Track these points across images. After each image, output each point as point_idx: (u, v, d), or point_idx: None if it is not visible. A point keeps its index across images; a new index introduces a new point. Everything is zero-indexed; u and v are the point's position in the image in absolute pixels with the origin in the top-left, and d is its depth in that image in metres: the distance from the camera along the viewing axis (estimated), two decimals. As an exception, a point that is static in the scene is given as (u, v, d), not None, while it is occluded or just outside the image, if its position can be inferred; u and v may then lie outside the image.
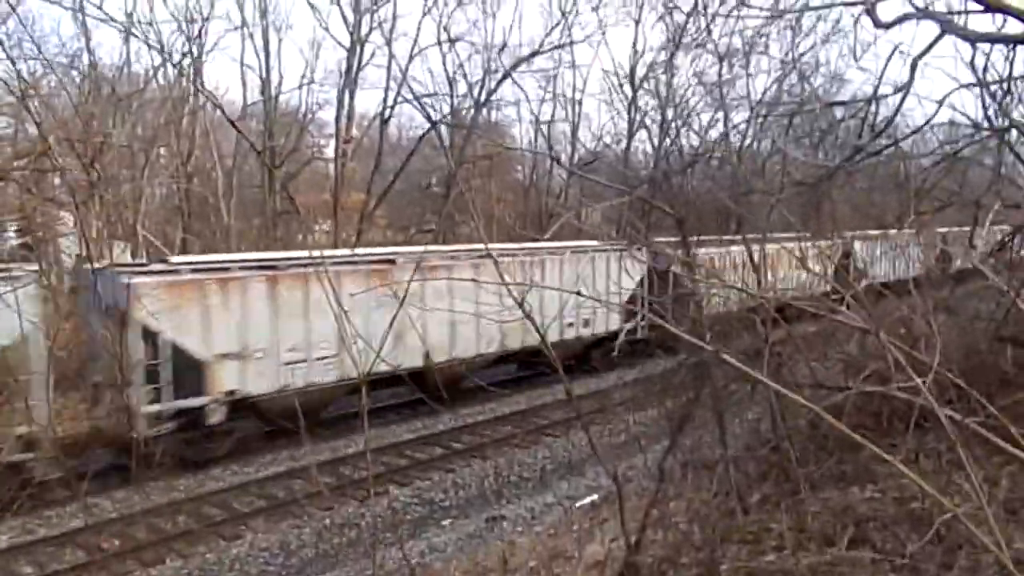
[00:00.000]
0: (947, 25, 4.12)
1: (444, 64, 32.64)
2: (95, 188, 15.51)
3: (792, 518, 4.64)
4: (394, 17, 25.91)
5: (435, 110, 28.36)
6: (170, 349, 11.51)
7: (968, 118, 5.66)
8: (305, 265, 12.82)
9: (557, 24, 28.03)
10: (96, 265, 13.13)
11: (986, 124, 5.55)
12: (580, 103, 31.16)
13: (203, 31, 23.95)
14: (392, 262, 14.26)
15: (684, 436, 5.62)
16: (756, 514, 5.28)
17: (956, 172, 6.75)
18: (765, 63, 16.89)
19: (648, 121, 28.70)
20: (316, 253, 15.99)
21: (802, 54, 9.32)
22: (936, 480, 3.79)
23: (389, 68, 26.41)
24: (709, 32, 7.32)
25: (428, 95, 27.99)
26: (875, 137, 4.97)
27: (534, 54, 27.94)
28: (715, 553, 4.51)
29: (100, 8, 24.55)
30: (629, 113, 29.49)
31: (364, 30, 25.55)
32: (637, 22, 29.30)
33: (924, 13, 4.22)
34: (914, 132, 5.38)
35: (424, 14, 27.37)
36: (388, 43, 26.01)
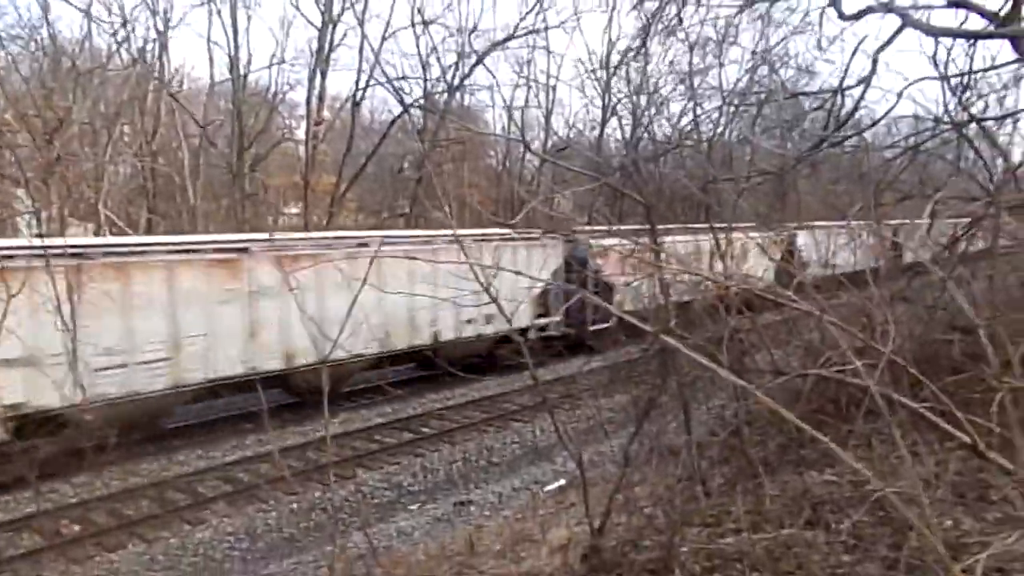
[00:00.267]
0: (908, 19, 4.20)
1: (417, 47, 32.38)
2: (53, 166, 15.06)
3: (751, 501, 4.74)
4: (367, -3, 25.57)
5: (408, 93, 28.12)
6: None
7: (929, 112, 5.78)
8: (126, 253, 11.48)
9: (532, 9, 27.98)
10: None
11: (947, 118, 5.67)
12: (554, 89, 31.17)
13: (168, 5, 23.37)
14: (244, 251, 12.82)
15: (650, 422, 5.70)
16: (717, 498, 5.39)
17: (918, 165, 6.88)
18: (737, 53, 17.02)
19: (621, 108, 28.79)
20: (143, 239, 14.32)
21: (772, 46, 9.42)
22: (884, 464, 3.90)
23: (361, 50, 26.16)
24: (681, 21, 7.34)
25: (401, 78, 27.74)
26: (838, 128, 5.05)
27: (508, 39, 27.83)
28: (676, 536, 4.60)
29: (61, -20, 23.81)
30: (602, 100, 29.56)
31: (336, 10, 25.22)
32: (612, 8, 29.31)
33: (886, 7, 4.28)
34: (874, 124, 5.49)
35: (398, -5, 27.06)
36: (360, 24, 25.72)
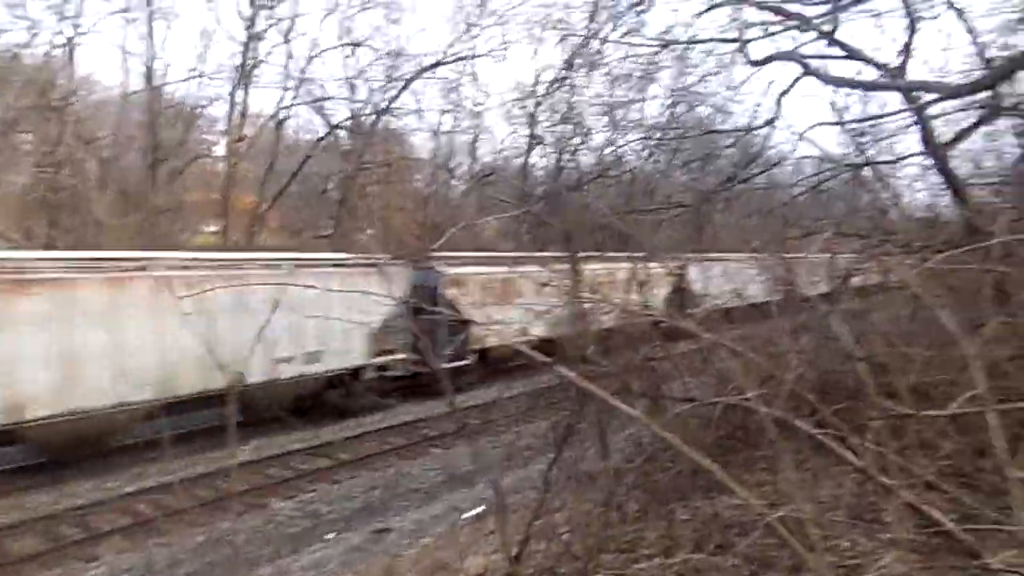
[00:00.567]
0: (808, 68, 4.49)
1: (345, 68, 32.02)
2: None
3: (664, 526, 4.84)
4: (293, 15, 25.25)
5: (333, 114, 27.78)
6: None
7: (830, 154, 6.17)
8: None
9: (461, 36, 28.24)
10: None
11: (845, 161, 6.06)
12: (481, 116, 31.49)
13: (79, 11, 22.37)
14: None
15: (568, 448, 5.76)
16: (633, 523, 5.47)
17: (820, 203, 7.32)
18: (658, 89, 17.72)
19: (546, 137, 29.32)
20: None
21: (689, 85, 9.88)
22: (790, 487, 4.05)
23: (287, 68, 25.68)
24: (602, 56, 7.60)
25: (327, 98, 27.39)
26: (747, 165, 5.32)
27: (437, 64, 27.96)
28: (592, 563, 4.64)
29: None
30: (528, 129, 30.03)
31: (260, 26, 24.73)
32: (539, 40, 29.93)
33: (788, 55, 4.58)
34: (777, 164, 5.82)
35: (326, 15, 26.87)
36: (286, 41, 25.32)
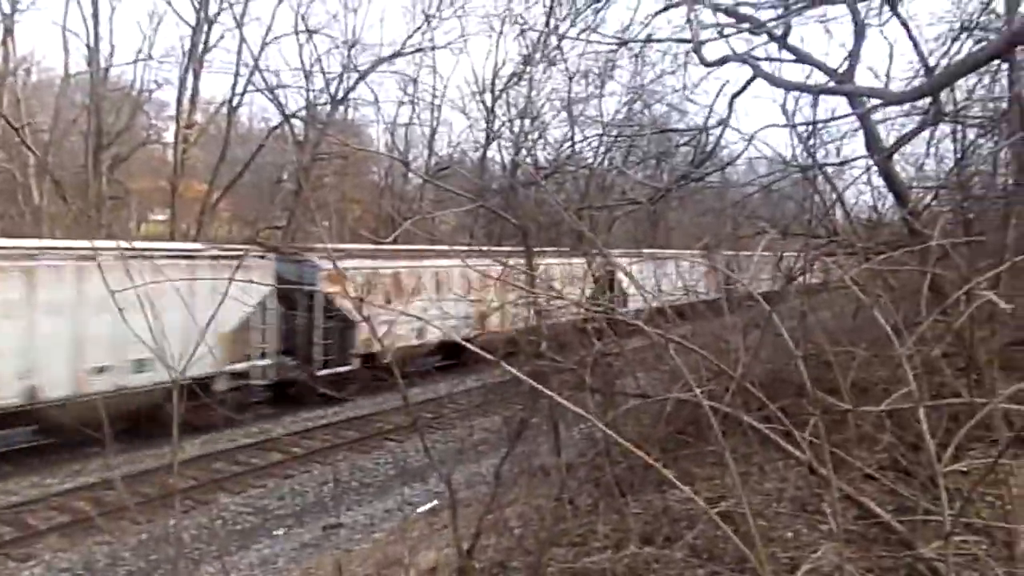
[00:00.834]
0: (759, 70, 4.59)
1: (300, 56, 31.45)
2: None
3: (615, 519, 4.90)
4: None
5: (289, 102, 27.22)
6: None
7: (781, 156, 6.32)
8: None
9: (419, 28, 27.98)
10: None
11: (795, 162, 6.21)
12: (439, 109, 31.24)
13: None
14: None
15: (521, 443, 5.78)
16: (585, 517, 5.52)
17: (771, 203, 7.49)
18: (615, 86, 17.85)
19: (504, 132, 29.31)
20: None
21: (644, 84, 9.99)
22: (731, 481, 4.15)
23: (239, 53, 25.07)
24: (561, 51, 7.62)
25: (282, 86, 26.84)
26: (699, 165, 5.41)
27: (395, 55, 27.68)
28: (544, 556, 4.67)
29: None
30: (486, 123, 29.97)
31: (212, 9, 24.07)
32: (498, 34, 29.87)
33: (740, 57, 4.66)
34: (729, 163, 5.94)
35: (280, 1, 26.27)
36: (239, 26, 24.69)
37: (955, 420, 3.91)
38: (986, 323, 4.02)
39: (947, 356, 4.17)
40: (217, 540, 9.31)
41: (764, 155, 6.91)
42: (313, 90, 27.23)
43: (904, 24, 5.99)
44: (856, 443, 4.21)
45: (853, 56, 5.79)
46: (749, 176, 9.43)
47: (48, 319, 10.88)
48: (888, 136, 6.39)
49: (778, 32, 5.66)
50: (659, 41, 6.45)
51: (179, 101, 24.58)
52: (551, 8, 6.31)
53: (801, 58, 5.30)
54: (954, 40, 6.84)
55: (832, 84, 5.33)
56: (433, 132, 31.39)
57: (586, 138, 11.28)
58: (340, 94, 27.21)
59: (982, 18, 6.70)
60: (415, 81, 29.43)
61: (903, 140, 6.14)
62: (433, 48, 28.40)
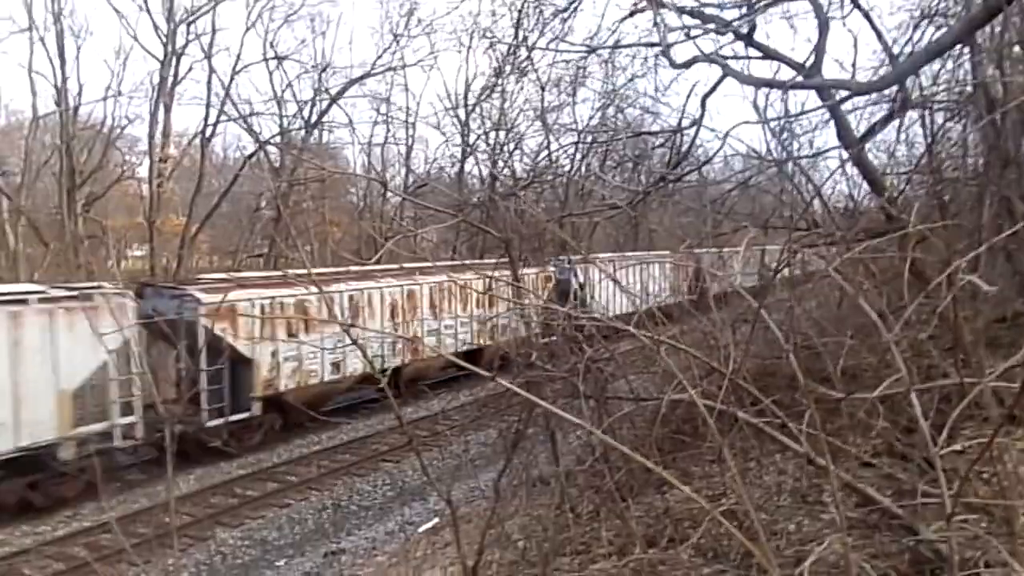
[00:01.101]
0: (729, 69, 4.64)
1: (271, 82, 31.36)
2: None
3: (618, 524, 4.89)
4: (213, 30, 24.59)
5: (260, 133, 27.12)
6: None
7: (755, 151, 6.39)
8: None
9: (388, 47, 28.03)
10: None
11: (770, 157, 6.28)
12: (413, 126, 31.26)
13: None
14: None
15: (518, 454, 5.76)
16: (587, 524, 5.51)
17: (748, 198, 7.55)
18: (587, 93, 17.98)
19: (480, 145, 29.36)
20: None
21: (616, 88, 10.09)
22: (731, 478, 4.16)
23: (210, 84, 24.98)
24: (532, 62, 7.67)
25: (254, 114, 26.76)
26: (676, 165, 5.45)
27: (365, 76, 27.70)
28: (548, 567, 4.65)
29: None
30: (461, 137, 30.02)
31: (180, 42, 23.98)
32: (468, 48, 29.98)
33: (709, 57, 4.72)
34: (706, 162, 5.99)
35: (247, 29, 26.25)
36: (208, 57, 24.63)
37: (946, 401, 3.95)
38: (969, 303, 4.07)
39: (932, 338, 4.21)
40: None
41: (739, 152, 7.00)
42: (286, 116, 27.20)
43: (866, 15, 6.10)
44: (850, 431, 4.23)
45: (819, 49, 5.88)
46: (725, 174, 9.52)
47: None
48: (859, 125, 6.48)
49: (744, 31, 5.74)
50: (628, 47, 6.52)
51: (151, 135, 24.44)
52: (519, 20, 6.35)
53: (768, 55, 5.38)
54: (915, 28, 6.98)
55: (800, 79, 5.41)
56: (409, 150, 31.42)
57: (562, 146, 11.34)
58: (313, 118, 27.19)
59: (941, 4, 6.83)
60: (388, 100, 29.48)
61: (874, 129, 6.23)
62: (404, 67, 28.48)
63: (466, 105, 29.51)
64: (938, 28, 6.86)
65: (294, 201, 26.11)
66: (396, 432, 14.97)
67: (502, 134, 23.57)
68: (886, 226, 4.90)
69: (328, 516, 11.67)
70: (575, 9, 6.32)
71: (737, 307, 6.47)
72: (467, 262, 18.78)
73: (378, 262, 16.07)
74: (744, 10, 5.41)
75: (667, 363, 3.41)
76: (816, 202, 6.53)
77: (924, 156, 6.56)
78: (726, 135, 4.90)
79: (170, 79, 23.91)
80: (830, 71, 6.31)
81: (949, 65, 6.77)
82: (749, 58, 5.74)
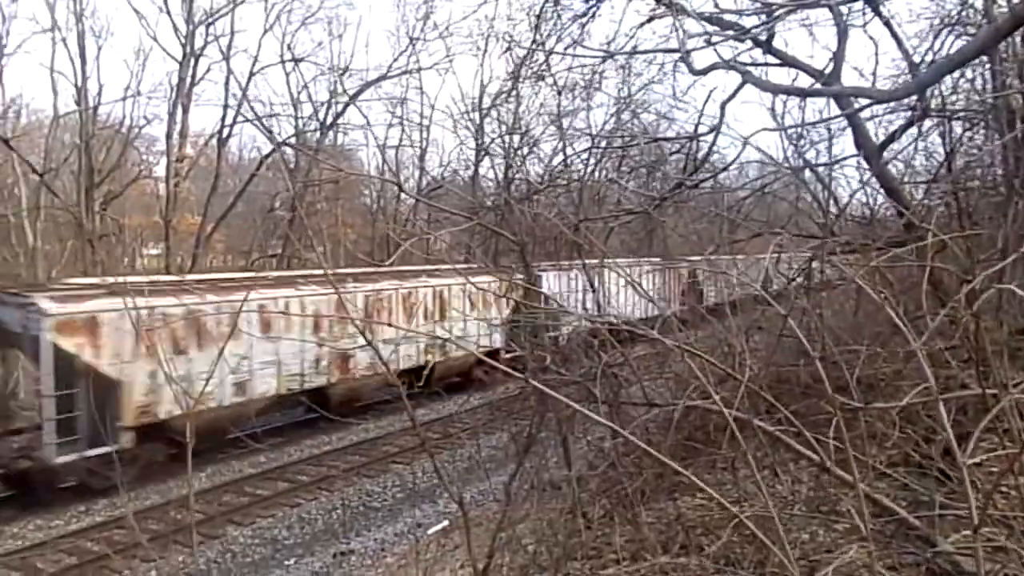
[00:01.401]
0: (749, 76, 4.64)
1: (288, 84, 31.61)
2: None
3: (629, 530, 4.88)
4: (232, 32, 24.81)
5: (278, 131, 27.33)
6: None
7: (772, 158, 6.37)
8: None
9: (405, 50, 28.17)
10: None
11: (786, 164, 6.26)
12: (428, 129, 31.37)
13: (4, 31, 21.57)
14: None
15: (530, 458, 5.76)
16: (599, 529, 5.49)
17: (764, 205, 7.53)
18: (603, 97, 17.95)
19: (494, 149, 29.41)
20: None
21: (632, 94, 10.07)
22: (748, 484, 4.14)
23: (227, 85, 25.19)
24: (549, 67, 7.68)
25: (270, 115, 26.96)
26: (694, 171, 5.45)
27: (381, 78, 27.85)
28: (559, 572, 4.64)
29: None
30: (476, 141, 30.08)
31: (198, 43, 24.21)
32: (483, 52, 30.06)
33: (728, 64, 4.72)
34: (724, 169, 5.98)
35: (265, 31, 26.46)
36: (226, 58, 24.84)
37: (963, 412, 3.92)
38: (992, 314, 4.05)
39: (951, 349, 4.18)
40: (228, 575, 9.23)
41: (755, 159, 6.98)
42: (302, 117, 27.39)
43: (887, 23, 6.07)
44: (867, 440, 4.21)
45: (838, 57, 5.86)
46: (740, 180, 9.49)
47: None
48: (876, 133, 6.45)
49: (762, 37, 5.73)
50: (646, 52, 6.52)
51: (169, 135, 24.66)
52: (538, 24, 6.37)
53: (787, 62, 5.37)
54: (935, 37, 6.94)
55: (819, 86, 5.38)
56: (423, 152, 31.53)
57: (576, 153, 11.34)
58: (328, 120, 27.36)
59: (963, 13, 6.79)
60: (403, 102, 29.61)
61: (893, 137, 6.19)
62: (419, 70, 28.60)
63: (480, 108, 29.61)
64: (958, 37, 6.82)
65: (308, 202, 26.27)
66: (409, 433, 14.99)
67: (516, 138, 23.61)
68: (905, 235, 4.86)
69: (338, 516, 11.70)
70: (593, 14, 6.33)
71: (751, 314, 6.45)
72: (412, 268, 17.35)
73: (393, 264, 16.02)
74: (763, 17, 5.40)
75: (689, 367, 3.40)
76: (832, 209, 6.50)
77: (943, 165, 6.51)
78: (745, 142, 4.90)
79: (188, 80, 24.13)
80: (848, 78, 6.30)
81: (968, 74, 6.73)
82: (768, 65, 5.74)
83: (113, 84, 34.99)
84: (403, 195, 28.88)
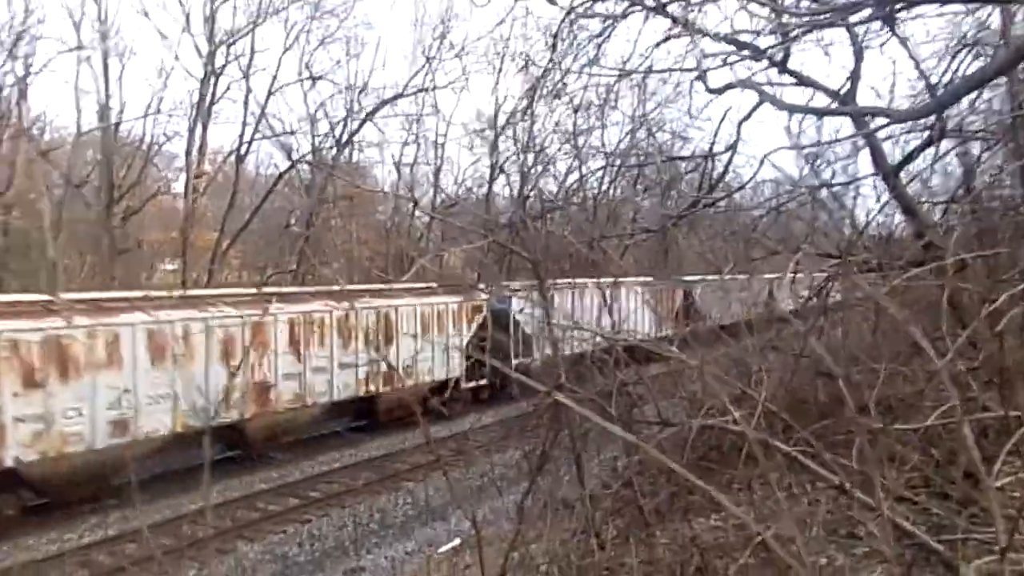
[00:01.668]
0: (765, 95, 4.65)
1: (305, 102, 32.01)
2: None
3: (644, 551, 4.82)
4: (252, 51, 25.23)
5: (295, 149, 27.66)
6: None
7: (788, 177, 6.35)
8: None
9: (421, 69, 28.47)
10: None
11: (802, 183, 6.24)
12: (443, 147, 31.60)
13: (31, 50, 22.06)
14: None
15: (543, 476, 5.72)
16: (612, 550, 5.43)
17: (780, 225, 7.50)
18: (618, 116, 18.00)
19: (509, 167, 29.57)
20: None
21: (647, 113, 10.10)
22: (764, 506, 4.09)
23: (246, 103, 25.58)
24: (564, 85, 7.73)
25: (288, 133, 27.29)
26: (710, 190, 5.45)
27: (397, 97, 28.13)
28: (572, 592, 4.59)
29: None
30: (491, 158, 30.25)
31: (219, 62, 24.63)
32: (499, 71, 30.29)
33: (745, 83, 4.73)
34: (740, 188, 5.97)
35: (285, 51, 26.86)
36: (245, 77, 25.25)
37: (984, 435, 3.86)
38: (1015, 335, 3.99)
39: (972, 371, 4.13)
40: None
41: (770, 178, 6.96)
42: (318, 135, 27.70)
43: (903, 43, 6.07)
44: (886, 462, 4.15)
45: (854, 76, 5.86)
46: (755, 199, 9.45)
47: None
48: (893, 153, 6.42)
49: (778, 57, 5.75)
50: (663, 71, 6.55)
51: (188, 152, 25.04)
52: (554, 44, 6.43)
53: (803, 81, 5.38)
54: (952, 57, 6.92)
55: (836, 105, 5.38)
56: (438, 170, 31.73)
57: (592, 171, 11.37)
58: (345, 137, 27.64)
59: (981, 34, 6.77)
60: (419, 120, 29.86)
61: (910, 157, 6.17)
62: (435, 88, 28.86)
63: (495, 126, 29.81)
64: (976, 58, 6.80)
65: (323, 219, 26.49)
66: (421, 450, 14.94)
67: (531, 156, 23.74)
68: (923, 255, 4.83)
69: (348, 534, 11.66)
70: (609, 34, 6.38)
71: (765, 333, 6.40)
72: (354, 287, 16.26)
73: (405, 279, 16.04)
74: (779, 37, 5.42)
75: (710, 386, 3.37)
76: (848, 229, 6.47)
77: (961, 186, 6.47)
78: (762, 161, 4.90)
79: (208, 98, 24.53)
80: (865, 98, 6.29)
81: (987, 94, 6.70)
82: (783, 84, 5.75)
83: (135, 102, 35.59)
84: (418, 212, 29.07)
